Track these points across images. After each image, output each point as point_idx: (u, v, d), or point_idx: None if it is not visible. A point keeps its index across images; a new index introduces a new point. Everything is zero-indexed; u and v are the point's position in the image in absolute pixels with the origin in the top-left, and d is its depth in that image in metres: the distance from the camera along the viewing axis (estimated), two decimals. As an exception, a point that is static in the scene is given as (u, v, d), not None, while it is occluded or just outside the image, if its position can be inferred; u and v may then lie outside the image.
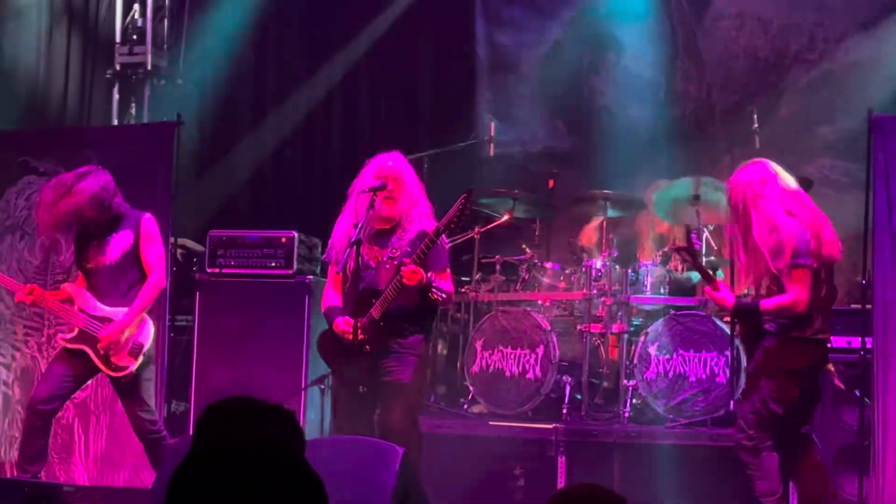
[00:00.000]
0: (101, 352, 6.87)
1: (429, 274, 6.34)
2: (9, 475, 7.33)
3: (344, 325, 6.42)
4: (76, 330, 6.96)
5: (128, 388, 6.99)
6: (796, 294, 6.23)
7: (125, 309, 6.91)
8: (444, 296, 6.51)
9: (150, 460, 7.11)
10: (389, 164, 6.60)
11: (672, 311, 8.24)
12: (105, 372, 6.97)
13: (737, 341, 7.89)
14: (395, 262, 6.47)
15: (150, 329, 7.02)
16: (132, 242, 6.97)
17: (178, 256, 8.84)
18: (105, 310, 6.94)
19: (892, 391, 6.83)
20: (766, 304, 6.33)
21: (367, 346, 6.43)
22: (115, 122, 10.06)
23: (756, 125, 8.77)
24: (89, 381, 7.45)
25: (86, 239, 7.04)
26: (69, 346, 6.97)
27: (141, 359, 6.94)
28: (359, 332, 6.36)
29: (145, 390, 7.05)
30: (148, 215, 7.07)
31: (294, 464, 2.03)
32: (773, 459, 6.30)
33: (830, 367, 6.57)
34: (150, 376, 7.12)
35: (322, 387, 8.07)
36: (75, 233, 7.16)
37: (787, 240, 6.25)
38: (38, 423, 6.91)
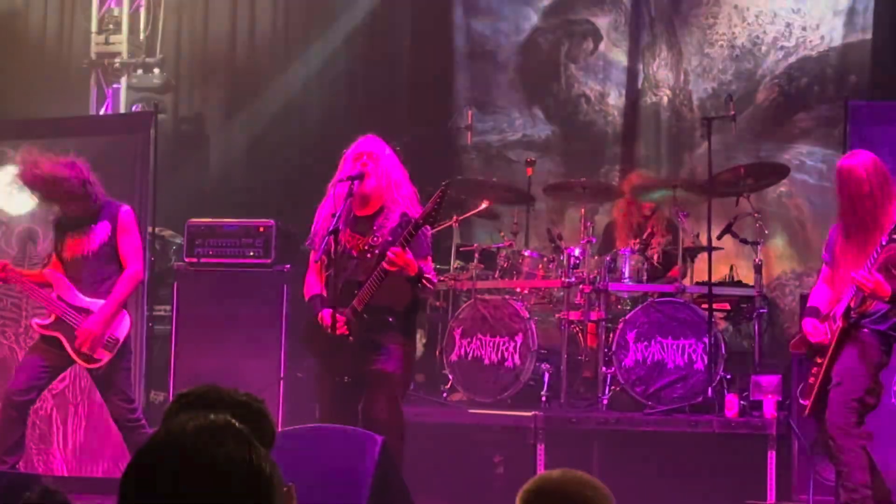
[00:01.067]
0: (78, 345, 6.84)
1: (420, 262, 6.36)
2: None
3: (328, 317, 6.41)
4: (52, 316, 6.93)
5: (104, 379, 6.97)
6: None
7: (102, 301, 6.88)
8: (430, 285, 6.59)
9: (129, 450, 7.08)
10: (364, 145, 6.61)
11: (650, 299, 8.24)
12: (78, 362, 6.95)
13: (727, 327, 7.92)
14: (377, 252, 6.45)
15: (127, 322, 7.00)
16: (109, 234, 6.94)
17: (156, 246, 8.80)
18: (84, 300, 6.91)
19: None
20: None
21: (351, 338, 6.43)
22: (92, 112, 10.00)
23: (733, 112, 8.76)
24: (66, 372, 7.41)
25: (65, 228, 7.00)
26: (43, 332, 6.94)
27: (116, 351, 6.91)
28: (341, 323, 6.36)
29: (123, 380, 7.04)
30: (126, 207, 7.04)
31: (249, 458, 2.00)
32: (867, 452, 6.27)
33: None
34: (128, 366, 7.11)
35: (300, 375, 8.07)
36: (54, 221, 7.12)
37: None
38: (15, 414, 6.88)
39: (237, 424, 2.05)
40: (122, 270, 6.95)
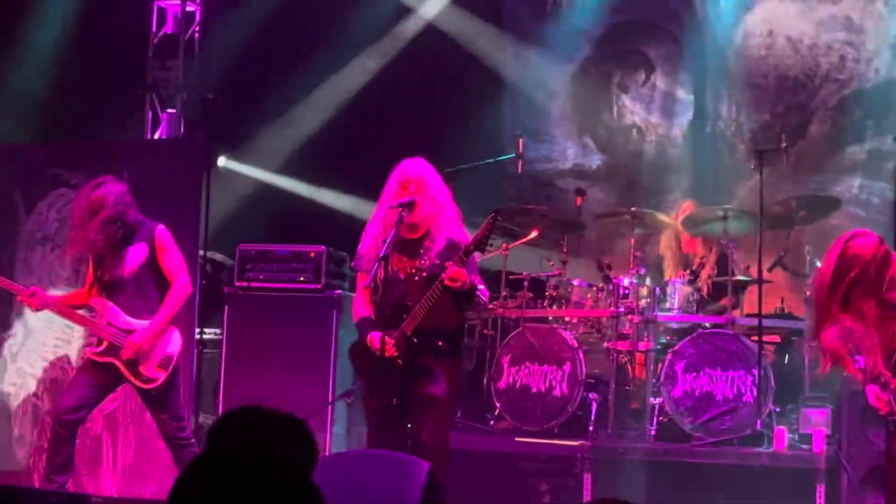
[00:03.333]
0: (126, 358, 6.86)
1: (470, 277, 6.36)
2: (37, 485, 7.33)
3: (378, 340, 6.41)
4: (105, 343, 6.95)
5: (157, 399, 6.98)
6: None
7: (146, 321, 6.91)
8: (484, 299, 6.64)
9: (178, 469, 7.09)
10: (412, 170, 6.61)
11: (699, 329, 8.21)
12: (135, 384, 6.96)
13: (776, 359, 7.88)
14: (425, 274, 6.47)
15: (178, 338, 7.01)
16: (147, 254, 6.96)
17: (208, 269, 8.85)
18: (132, 322, 6.93)
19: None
20: None
21: (399, 361, 6.43)
22: (147, 136, 10.09)
23: (784, 144, 8.73)
24: (117, 392, 7.44)
25: (101, 252, 7.01)
26: (98, 359, 6.95)
27: (171, 370, 6.95)
28: (390, 346, 6.37)
29: (173, 398, 7.05)
30: (161, 226, 7.03)
31: (289, 476, 2.01)
32: None
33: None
34: (177, 384, 7.12)
35: (349, 400, 8.09)
36: (85, 248, 7.13)
37: None
38: (64, 432, 6.90)
39: (281, 447, 2.06)
40: (165, 289, 6.97)
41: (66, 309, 7.12)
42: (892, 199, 8.03)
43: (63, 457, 6.88)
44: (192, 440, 7.04)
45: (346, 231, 8.30)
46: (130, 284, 6.95)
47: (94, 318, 7.00)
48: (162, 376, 6.91)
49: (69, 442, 6.92)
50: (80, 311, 7.13)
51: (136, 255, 6.93)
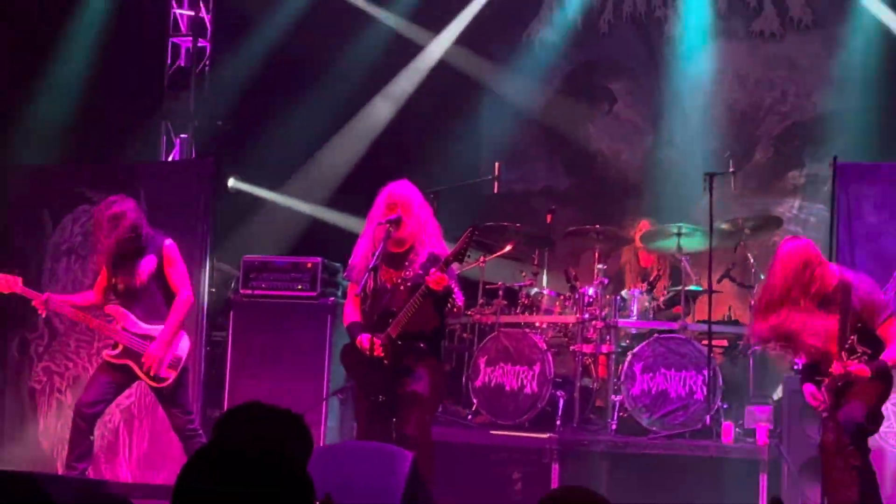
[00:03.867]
0: (146, 369, 6.88)
1: (450, 282, 6.39)
2: (59, 472, 7.31)
3: (367, 342, 6.42)
4: (120, 347, 6.94)
5: (168, 396, 6.99)
6: None
7: (159, 325, 6.91)
8: (459, 304, 6.75)
9: (186, 455, 7.09)
10: (398, 191, 6.63)
11: (655, 334, 8.21)
12: (148, 383, 6.97)
13: (724, 361, 7.90)
14: (409, 284, 6.49)
15: (186, 342, 7.04)
16: (156, 266, 6.96)
17: (215, 278, 8.84)
18: (145, 327, 6.93)
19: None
20: (890, 358, 6.23)
21: (386, 361, 6.44)
22: (162, 159, 10.07)
23: (732, 169, 8.76)
24: (133, 388, 7.44)
25: (116, 263, 6.98)
26: (115, 361, 6.94)
27: (181, 370, 6.95)
28: (377, 348, 6.38)
29: (183, 395, 7.06)
30: (169, 240, 7.03)
31: (285, 468, 2.01)
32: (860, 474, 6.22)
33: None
34: (186, 382, 7.13)
35: (341, 397, 8.08)
36: (106, 258, 7.06)
37: (883, 298, 6.32)
38: (84, 425, 6.90)
39: (281, 439, 2.06)
40: (172, 297, 6.97)
41: (80, 312, 7.10)
42: (827, 219, 8.03)
43: (83, 447, 6.88)
44: (200, 432, 7.04)
45: (338, 244, 8.31)
46: (141, 293, 6.95)
47: (112, 323, 6.98)
48: (172, 376, 6.92)
49: (88, 433, 6.92)
50: (96, 317, 7.09)
51: (146, 266, 6.94)
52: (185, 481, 2.03)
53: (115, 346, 6.97)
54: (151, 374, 6.85)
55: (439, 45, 10.59)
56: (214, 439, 2.81)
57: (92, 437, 6.96)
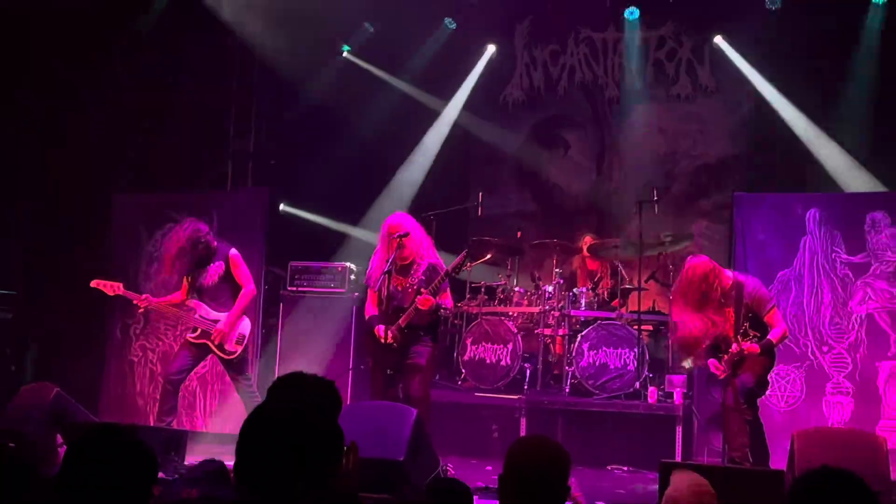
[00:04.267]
0: (216, 342, 6.88)
1: (437, 298, 6.41)
2: (151, 423, 7.31)
3: (381, 331, 6.46)
4: (199, 330, 6.95)
5: (236, 365, 6.99)
6: (785, 325, 6.39)
7: (226, 313, 6.91)
8: (447, 309, 6.74)
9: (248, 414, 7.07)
10: (398, 220, 6.69)
11: (599, 321, 8.22)
12: (220, 356, 6.97)
13: (650, 341, 7.92)
14: (415, 287, 6.54)
15: (248, 323, 7.05)
16: (224, 269, 6.97)
17: (270, 279, 8.84)
18: (215, 314, 6.94)
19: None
20: (775, 336, 6.27)
21: (395, 344, 6.47)
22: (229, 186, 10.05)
23: (656, 198, 8.76)
24: (207, 361, 7.42)
25: (196, 268, 7.01)
26: (194, 341, 6.96)
27: (244, 344, 6.95)
28: (390, 336, 6.42)
29: (245, 364, 7.06)
30: (234, 249, 7.05)
31: (321, 420, 2.02)
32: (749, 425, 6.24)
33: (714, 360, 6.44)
34: (247, 355, 7.12)
35: (362, 367, 8.07)
36: (188, 264, 7.05)
37: (767, 292, 6.37)
38: (170, 388, 6.91)
39: (318, 399, 2.07)
40: (235, 292, 6.98)
41: (170, 308, 7.11)
42: (728, 236, 8.05)
43: (169, 404, 6.88)
44: (258, 393, 7.03)
45: (361, 251, 8.30)
46: (213, 289, 6.96)
47: (191, 313, 6.98)
48: (238, 350, 6.92)
49: (174, 395, 6.92)
50: (180, 309, 7.09)
51: (216, 270, 6.96)
52: (247, 432, 2.03)
53: (194, 330, 6.98)
54: (218, 343, 6.85)
55: (452, 109, 10.51)
56: (268, 400, 2.83)
57: (176, 399, 6.96)
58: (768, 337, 6.21)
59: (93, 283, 7.11)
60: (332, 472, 1.95)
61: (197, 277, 6.97)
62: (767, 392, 7.01)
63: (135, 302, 7.07)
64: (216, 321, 6.89)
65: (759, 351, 6.15)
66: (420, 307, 6.41)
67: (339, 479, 1.99)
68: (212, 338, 6.86)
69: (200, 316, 6.94)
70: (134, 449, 2.33)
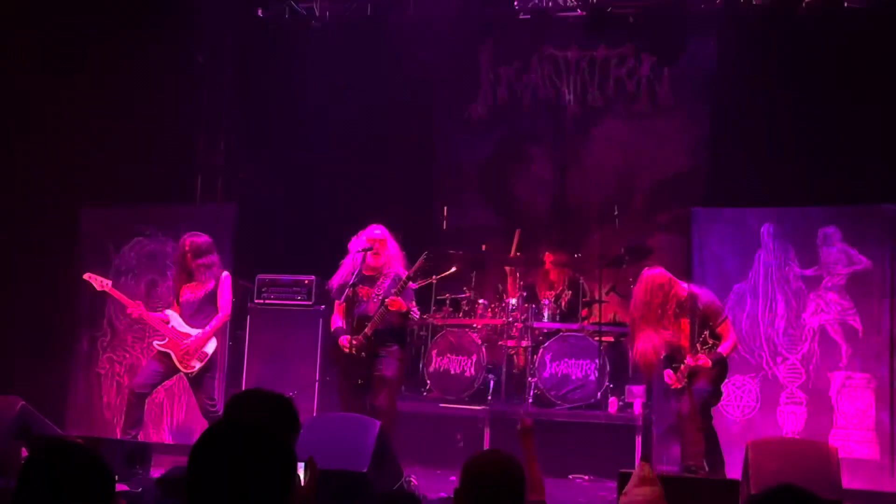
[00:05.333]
0: (178, 357, 6.81)
1: (408, 304, 6.40)
2: (118, 436, 7.21)
3: (346, 342, 6.43)
4: (167, 339, 6.88)
5: (197, 381, 6.91)
6: (735, 336, 6.42)
7: (200, 330, 6.85)
8: (416, 315, 6.75)
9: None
10: (376, 233, 6.67)
11: (561, 333, 8.24)
12: (182, 370, 6.89)
13: (611, 352, 7.94)
14: (380, 298, 6.50)
15: (214, 344, 6.96)
16: (212, 288, 6.92)
17: (237, 291, 8.77)
18: (188, 329, 6.87)
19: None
20: (725, 350, 6.31)
21: (363, 354, 6.43)
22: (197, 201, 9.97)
23: (616, 212, 8.82)
24: (173, 378, 7.32)
25: (185, 281, 6.97)
26: (161, 348, 6.89)
27: (205, 363, 6.86)
28: (355, 346, 6.38)
29: (209, 384, 6.99)
30: (226, 273, 7.05)
31: (275, 440, 1.99)
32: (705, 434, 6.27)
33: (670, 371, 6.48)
34: (213, 375, 7.07)
35: (328, 379, 8.02)
36: (178, 276, 7.05)
37: (720, 305, 6.40)
38: (136, 401, 6.83)
39: (272, 418, 2.04)
40: (214, 311, 6.92)
41: (153, 320, 7.02)
42: (686, 249, 8.10)
43: (135, 417, 6.80)
44: (220, 412, 6.95)
45: (329, 264, 8.25)
46: (196, 305, 6.88)
47: (165, 323, 6.89)
48: (197, 366, 6.84)
49: (139, 408, 6.84)
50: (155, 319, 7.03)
51: (206, 287, 6.90)
52: (198, 453, 2.00)
53: (163, 338, 6.91)
54: (179, 357, 6.78)
55: (417, 125, 10.50)
56: (223, 417, 2.78)
57: (142, 411, 6.87)
58: (718, 350, 6.26)
59: (85, 276, 7.06)
60: (286, 492, 1.92)
61: (184, 290, 6.91)
62: (723, 401, 7.07)
63: (128, 310, 6.99)
64: (185, 335, 6.82)
65: (710, 364, 6.20)
66: (390, 307, 6.37)
67: (294, 499, 1.95)
68: (177, 352, 6.78)
69: (173, 326, 6.88)
70: (90, 465, 2.28)
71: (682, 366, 6.24)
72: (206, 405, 6.90)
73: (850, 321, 7.25)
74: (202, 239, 6.92)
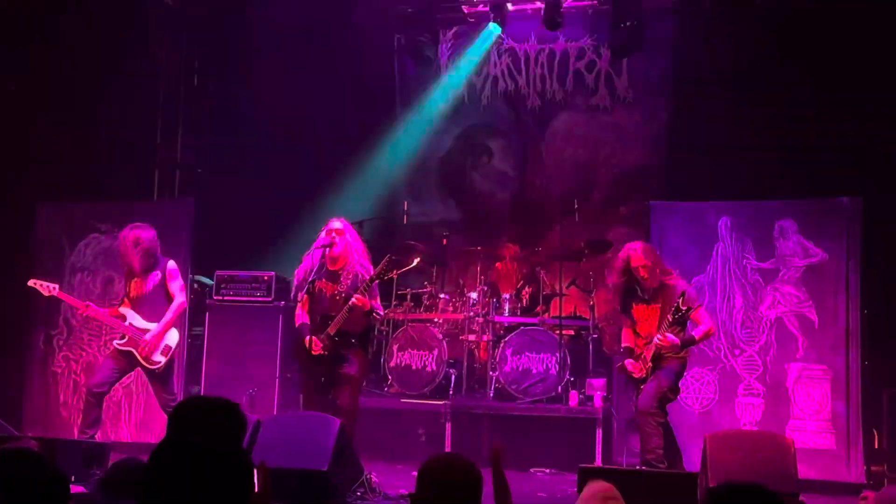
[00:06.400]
0: (143, 354, 6.73)
1: (372, 302, 6.38)
2: (75, 436, 7.12)
3: (311, 342, 6.38)
4: (126, 337, 6.81)
5: (159, 377, 6.84)
6: (712, 324, 6.47)
7: (157, 323, 6.78)
8: (379, 315, 6.72)
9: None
10: (336, 225, 6.63)
11: (521, 327, 8.27)
12: (144, 366, 6.81)
13: (571, 346, 7.98)
14: (343, 295, 6.47)
15: (176, 335, 6.90)
16: (161, 279, 6.84)
17: (196, 287, 8.70)
18: (145, 324, 6.80)
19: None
20: (698, 333, 6.37)
21: (326, 352, 6.40)
22: (156, 196, 9.86)
23: (576, 206, 8.86)
24: (132, 373, 7.25)
25: (132, 277, 6.88)
26: (121, 348, 6.80)
27: (169, 356, 6.81)
28: (319, 346, 6.34)
29: (169, 378, 6.92)
30: (171, 261, 6.94)
31: (227, 450, 1.97)
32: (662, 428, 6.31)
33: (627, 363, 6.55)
34: (172, 369, 6.99)
35: (289, 376, 7.99)
36: (126, 272, 6.98)
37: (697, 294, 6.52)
38: (93, 400, 6.73)
39: (220, 426, 2.02)
40: (168, 303, 6.85)
41: (107, 317, 6.93)
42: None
43: (93, 417, 6.70)
44: None
45: (289, 261, 8.20)
46: (148, 299, 6.81)
47: (122, 319, 6.81)
48: (163, 361, 6.78)
49: (97, 407, 6.74)
50: (113, 317, 6.94)
51: (153, 280, 6.82)
52: (150, 471, 1.97)
53: (122, 337, 6.83)
54: (143, 355, 6.71)
55: (378, 119, 10.47)
56: (171, 429, 2.74)
57: (99, 410, 6.79)
58: (692, 333, 6.34)
59: (30, 283, 6.92)
60: (243, 500, 1.90)
61: (133, 286, 6.83)
62: (683, 394, 7.14)
63: (79, 311, 6.90)
64: (145, 330, 6.75)
65: (679, 343, 6.26)
66: (355, 304, 6.33)
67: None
68: (139, 349, 6.71)
69: (130, 323, 6.80)
70: (42, 471, 2.25)
71: (646, 350, 6.31)
72: (166, 401, 6.83)
73: (806, 313, 7.35)
74: (143, 230, 6.82)
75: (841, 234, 7.33)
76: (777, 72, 8.76)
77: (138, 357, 6.73)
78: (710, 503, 2.18)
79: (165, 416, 6.83)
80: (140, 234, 6.76)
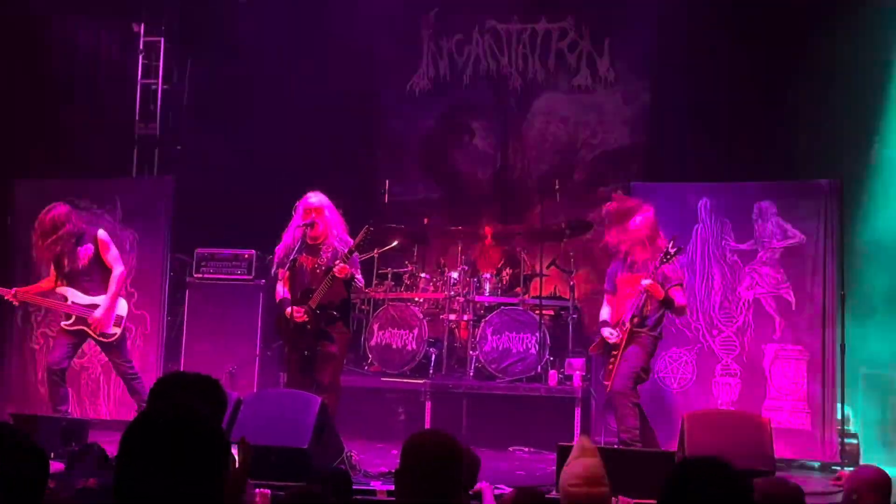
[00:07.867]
0: (96, 332, 6.70)
1: (352, 270, 6.37)
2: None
3: (294, 312, 6.36)
4: (73, 317, 6.75)
5: (114, 347, 6.82)
6: (685, 302, 6.57)
7: (101, 296, 6.72)
8: (360, 283, 6.72)
9: (130, 394, 6.94)
10: (312, 201, 6.60)
11: (502, 307, 8.29)
12: (98, 340, 6.77)
13: (551, 326, 8.00)
14: (324, 268, 6.46)
15: (124, 305, 6.88)
16: (93, 251, 6.78)
17: (176, 265, 8.65)
18: (89, 299, 6.75)
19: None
20: (677, 298, 6.43)
21: (309, 326, 6.39)
22: (134, 174, 9.77)
23: (557, 186, 8.86)
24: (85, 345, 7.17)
25: (61, 252, 6.78)
26: (69, 328, 6.77)
27: (122, 326, 6.77)
28: (302, 316, 6.33)
29: (123, 345, 6.89)
30: (101, 230, 6.89)
31: (206, 426, 1.96)
32: (638, 408, 6.36)
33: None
34: (126, 336, 6.96)
35: (269, 353, 7.97)
36: (56, 251, 6.82)
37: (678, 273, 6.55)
38: (56, 378, 6.69)
39: (198, 401, 2.00)
40: (106, 273, 6.79)
41: (41, 298, 6.87)
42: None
43: (60, 394, 6.66)
44: (139, 375, 6.86)
45: (269, 238, 8.16)
46: (84, 273, 6.75)
47: (63, 300, 6.75)
48: (117, 332, 6.75)
49: (61, 384, 6.69)
50: (51, 298, 6.87)
51: (85, 253, 6.76)
52: (126, 441, 1.96)
53: (68, 318, 6.77)
54: (98, 332, 6.68)
55: (361, 97, 10.40)
56: (149, 404, 2.74)
57: (65, 386, 6.74)
58: (671, 293, 6.39)
59: None
60: (218, 476, 1.89)
61: (65, 262, 6.76)
62: (661, 373, 7.20)
63: (6, 297, 6.85)
64: (91, 306, 6.69)
65: (662, 295, 6.34)
66: (337, 274, 6.33)
67: (227, 481, 1.93)
68: (91, 328, 6.67)
69: (73, 302, 6.74)
70: (22, 447, 2.23)
71: (631, 307, 6.36)
72: (125, 368, 6.81)
73: (783, 294, 7.40)
74: (57, 210, 6.74)
75: (818, 215, 7.38)
76: (759, 53, 8.78)
77: (91, 333, 6.69)
78: (673, 478, 2.21)
79: (126, 387, 6.82)
80: (55, 214, 6.67)
